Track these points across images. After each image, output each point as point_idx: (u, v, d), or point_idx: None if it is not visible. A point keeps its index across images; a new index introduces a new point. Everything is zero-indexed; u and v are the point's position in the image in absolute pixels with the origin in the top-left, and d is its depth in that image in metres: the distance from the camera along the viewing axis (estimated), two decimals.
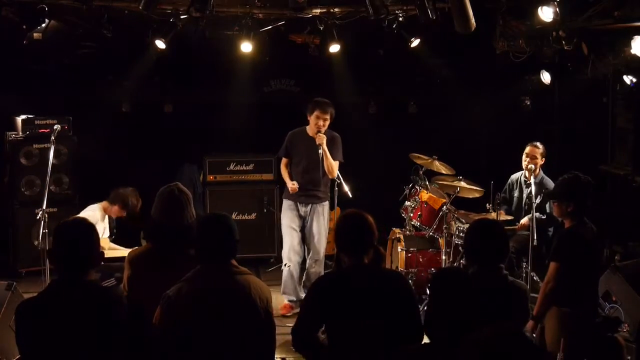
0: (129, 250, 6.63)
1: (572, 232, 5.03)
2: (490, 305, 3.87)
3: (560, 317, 4.83)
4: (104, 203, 6.60)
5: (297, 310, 6.88)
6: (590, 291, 5.03)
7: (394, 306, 3.77)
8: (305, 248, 7.03)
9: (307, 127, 6.90)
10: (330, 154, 6.78)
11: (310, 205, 6.91)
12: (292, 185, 6.85)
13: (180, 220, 4.09)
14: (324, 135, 6.73)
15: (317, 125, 6.72)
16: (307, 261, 7.01)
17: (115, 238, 6.99)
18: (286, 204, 7.02)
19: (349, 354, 3.78)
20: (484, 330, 2.43)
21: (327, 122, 6.78)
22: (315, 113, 6.72)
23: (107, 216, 6.74)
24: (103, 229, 6.61)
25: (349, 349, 3.78)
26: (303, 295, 6.94)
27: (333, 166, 6.82)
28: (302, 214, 6.95)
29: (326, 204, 7.01)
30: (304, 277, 7.11)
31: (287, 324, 6.44)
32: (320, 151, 6.71)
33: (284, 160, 7.06)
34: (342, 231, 3.95)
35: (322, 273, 6.95)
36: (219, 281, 3.59)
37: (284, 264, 7.01)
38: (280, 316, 6.70)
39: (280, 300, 6.88)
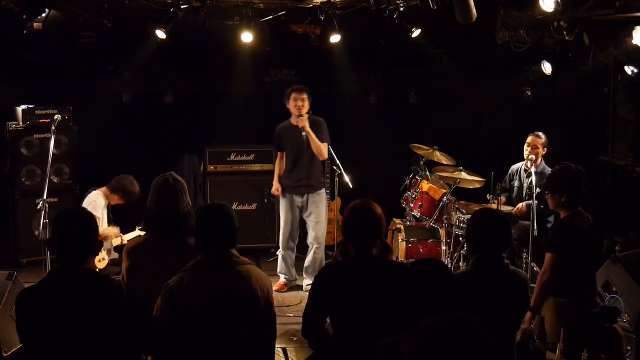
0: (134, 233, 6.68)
1: (566, 222, 5.04)
2: (490, 294, 3.88)
3: (557, 308, 4.84)
4: (105, 189, 6.55)
5: (291, 286, 7.37)
6: (587, 281, 5.04)
7: (397, 298, 3.76)
8: (309, 234, 7.16)
9: (291, 118, 7.04)
10: (318, 138, 6.91)
11: (305, 196, 7.06)
12: (274, 187, 7.14)
13: (175, 209, 4.09)
14: (306, 119, 6.85)
15: (297, 107, 6.87)
16: (310, 248, 7.13)
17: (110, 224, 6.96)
18: (283, 195, 7.18)
19: (352, 345, 3.79)
20: (431, 317, 2.36)
21: (306, 102, 6.92)
22: (293, 96, 6.91)
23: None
24: (105, 216, 6.58)
25: (353, 340, 3.79)
26: (301, 277, 7.35)
27: (321, 147, 6.93)
28: (299, 204, 7.11)
29: (322, 192, 7.14)
30: (306, 263, 7.20)
31: (288, 314, 6.49)
32: (304, 134, 6.83)
33: (279, 155, 7.26)
34: (350, 222, 3.94)
35: (324, 258, 7.14)
36: (220, 271, 3.60)
37: (278, 250, 7.31)
38: (275, 291, 6.86)
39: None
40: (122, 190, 6.53)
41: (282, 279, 7.33)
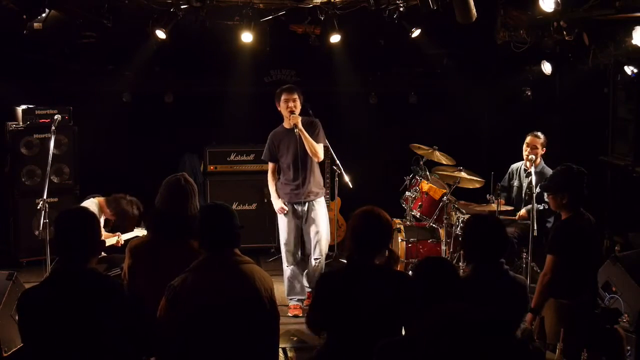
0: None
1: (567, 224, 5.03)
2: (490, 300, 3.87)
3: (558, 309, 4.84)
4: (102, 200, 6.45)
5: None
6: (588, 282, 5.03)
7: (396, 308, 3.74)
8: (310, 246, 6.67)
9: (284, 122, 6.60)
10: (312, 138, 6.42)
11: (306, 204, 6.55)
12: (280, 206, 6.57)
13: (184, 210, 4.11)
14: (298, 116, 6.41)
15: (289, 108, 6.42)
16: (311, 259, 6.66)
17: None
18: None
19: (348, 353, 3.78)
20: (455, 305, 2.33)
21: (298, 103, 6.47)
22: (283, 97, 6.45)
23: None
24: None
25: (348, 347, 3.78)
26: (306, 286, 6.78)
27: (315, 147, 6.38)
28: (300, 213, 6.58)
29: (322, 199, 6.67)
30: (306, 270, 6.80)
31: (288, 314, 6.47)
32: (296, 131, 6.35)
33: (270, 166, 6.69)
34: (357, 230, 3.91)
35: (323, 266, 6.73)
36: (223, 271, 3.61)
37: (284, 265, 6.72)
38: (291, 316, 6.52)
39: (283, 295, 6.67)
40: (116, 207, 6.40)
41: (294, 302, 6.67)
